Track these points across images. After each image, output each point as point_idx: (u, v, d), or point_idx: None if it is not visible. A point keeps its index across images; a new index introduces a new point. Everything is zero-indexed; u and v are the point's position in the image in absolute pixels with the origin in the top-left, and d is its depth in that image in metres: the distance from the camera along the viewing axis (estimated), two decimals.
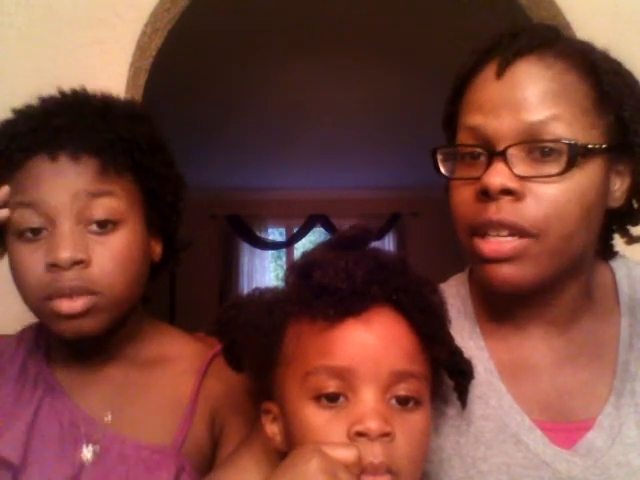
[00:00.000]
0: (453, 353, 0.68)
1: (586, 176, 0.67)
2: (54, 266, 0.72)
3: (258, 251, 5.81)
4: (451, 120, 0.76)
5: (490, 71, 0.69)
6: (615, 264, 0.80)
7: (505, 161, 0.66)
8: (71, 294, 0.73)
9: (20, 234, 0.75)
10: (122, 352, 0.85)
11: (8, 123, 0.79)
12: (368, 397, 0.59)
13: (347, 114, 3.93)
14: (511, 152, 0.66)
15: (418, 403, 0.62)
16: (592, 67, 0.69)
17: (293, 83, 3.52)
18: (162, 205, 0.83)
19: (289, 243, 5.84)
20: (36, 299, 0.75)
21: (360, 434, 0.58)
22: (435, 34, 2.81)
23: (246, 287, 5.63)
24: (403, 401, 0.61)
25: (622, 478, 0.69)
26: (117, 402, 0.82)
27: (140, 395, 0.83)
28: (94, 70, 1.24)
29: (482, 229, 0.68)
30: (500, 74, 0.68)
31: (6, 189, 0.75)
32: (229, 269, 5.70)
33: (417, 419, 0.62)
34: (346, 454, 0.56)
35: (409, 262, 0.69)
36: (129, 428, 0.80)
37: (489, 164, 0.67)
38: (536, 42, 0.69)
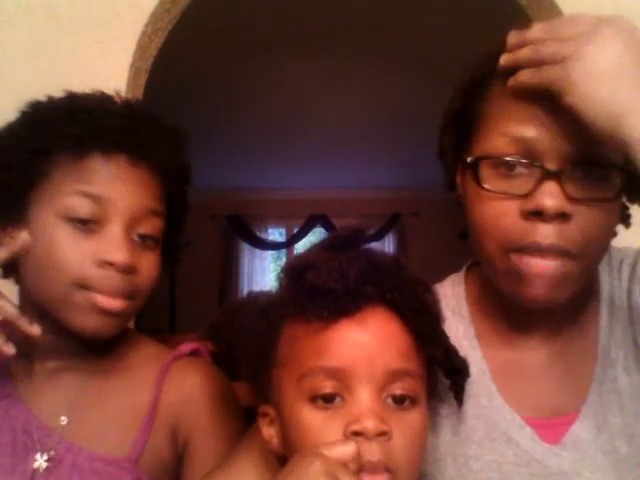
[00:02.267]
0: (448, 351, 0.68)
1: (621, 199, 0.68)
2: (109, 264, 0.75)
3: (258, 251, 5.81)
4: (463, 116, 0.73)
5: None
6: None
7: (558, 181, 0.63)
8: (118, 295, 0.76)
9: (69, 219, 0.75)
10: (81, 357, 0.81)
11: (92, 110, 0.79)
12: (364, 397, 0.59)
13: (347, 114, 3.94)
14: (566, 173, 0.64)
15: (414, 402, 0.62)
16: None
17: (293, 83, 3.52)
18: (176, 234, 0.88)
19: (289, 243, 5.85)
20: (70, 285, 0.74)
21: (357, 433, 0.58)
22: (435, 34, 2.81)
23: (246, 287, 5.63)
24: (399, 400, 0.61)
25: (610, 466, 0.69)
26: (73, 410, 0.79)
27: (97, 403, 0.80)
28: (94, 70, 1.24)
29: (526, 249, 0.65)
30: None
31: (26, 236, 0.76)
32: (229, 269, 5.70)
33: (413, 418, 0.62)
34: (344, 450, 0.56)
35: (403, 261, 0.68)
36: (84, 437, 0.78)
37: (540, 182, 0.64)
38: None
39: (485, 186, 0.67)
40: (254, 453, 0.70)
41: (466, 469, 0.72)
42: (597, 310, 0.76)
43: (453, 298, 0.82)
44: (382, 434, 0.58)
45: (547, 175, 0.64)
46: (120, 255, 0.75)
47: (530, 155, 0.65)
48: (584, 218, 0.64)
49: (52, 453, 0.76)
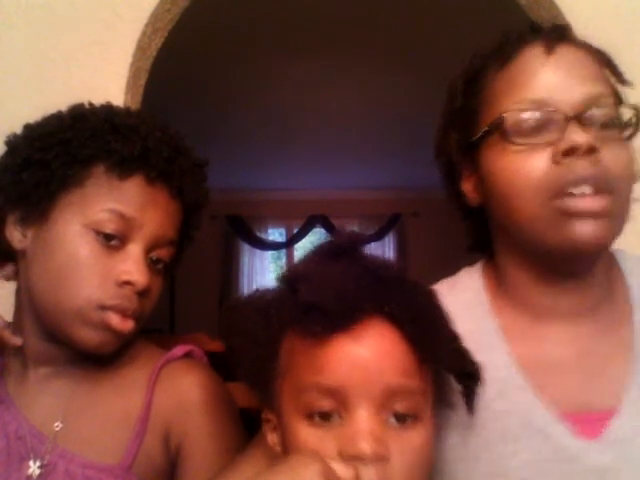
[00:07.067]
0: (454, 358, 0.64)
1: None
2: (128, 284, 0.76)
3: (258, 251, 5.81)
4: (466, 111, 0.77)
5: (534, 53, 0.73)
6: (618, 256, 0.80)
7: (580, 122, 0.69)
8: (129, 315, 0.77)
9: (96, 232, 0.75)
10: (74, 363, 0.80)
11: (136, 128, 0.79)
12: (362, 416, 0.56)
13: (347, 114, 3.94)
14: (583, 117, 0.69)
15: (416, 419, 0.59)
16: (607, 61, 0.75)
17: (293, 84, 3.52)
18: (178, 260, 0.90)
19: (289, 243, 5.84)
20: (89, 303, 0.74)
21: (353, 457, 0.55)
22: (436, 34, 2.81)
23: (246, 287, 5.63)
24: (400, 418, 0.58)
25: None
26: (66, 415, 0.78)
27: (90, 408, 0.79)
28: (94, 70, 1.24)
29: (568, 187, 0.68)
30: (550, 53, 0.72)
31: (10, 270, 0.79)
32: (229, 269, 5.70)
33: (415, 436, 0.59)
34: (344, 472, 0.54)
35: (401, 269, 0.65)
36: (78, 443, 0.76)
37: (563, 126, 0.69)
38: (565, 34, 0.75)
39: (516, 140, 0.71)
40: (260, 459, 0.69)
41: (502, 467, 0.70)
42: (630, 310, 0.76)
43: (470, 292, 0.80)
44: (379, 458, 0.55)
45: (569, 119, 0.69)
46: (141, 276, 0.76)
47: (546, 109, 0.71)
48: (608, 155, 0.69)
49: (45, 460, 0.75)
